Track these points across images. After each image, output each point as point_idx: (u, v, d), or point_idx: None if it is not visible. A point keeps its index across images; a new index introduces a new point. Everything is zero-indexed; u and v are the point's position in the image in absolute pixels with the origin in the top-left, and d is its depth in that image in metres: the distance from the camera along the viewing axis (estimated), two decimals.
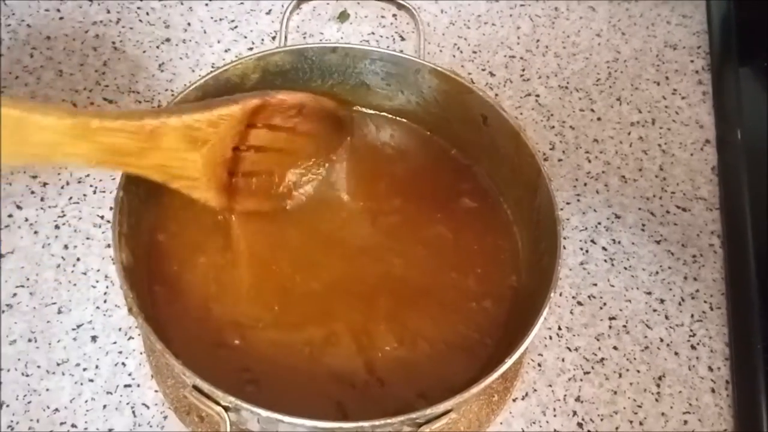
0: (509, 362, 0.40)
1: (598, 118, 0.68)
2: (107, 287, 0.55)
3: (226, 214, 0.50)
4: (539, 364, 0.54)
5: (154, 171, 0.44)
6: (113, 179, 0.59)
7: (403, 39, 0.71)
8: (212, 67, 0.67)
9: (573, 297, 0.58)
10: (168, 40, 0.68)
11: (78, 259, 0.55)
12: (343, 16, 0.71)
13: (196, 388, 0.40)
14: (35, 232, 0.56)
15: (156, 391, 0.51)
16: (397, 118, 0.57)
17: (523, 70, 0.70)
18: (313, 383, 0.46)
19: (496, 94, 0.68)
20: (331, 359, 0.47)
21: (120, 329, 0.53)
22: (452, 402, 0.39)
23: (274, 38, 0.69)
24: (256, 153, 0.50)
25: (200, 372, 0.40)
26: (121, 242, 0.43)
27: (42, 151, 0.39)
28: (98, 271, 0.55)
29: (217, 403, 0.40)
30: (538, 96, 0.69)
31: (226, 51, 0.68)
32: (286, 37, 0.55)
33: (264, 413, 0.38)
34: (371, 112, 0.57)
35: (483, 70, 0.70)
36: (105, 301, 0.54)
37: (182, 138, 0.44)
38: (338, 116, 0.54)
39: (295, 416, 0.38)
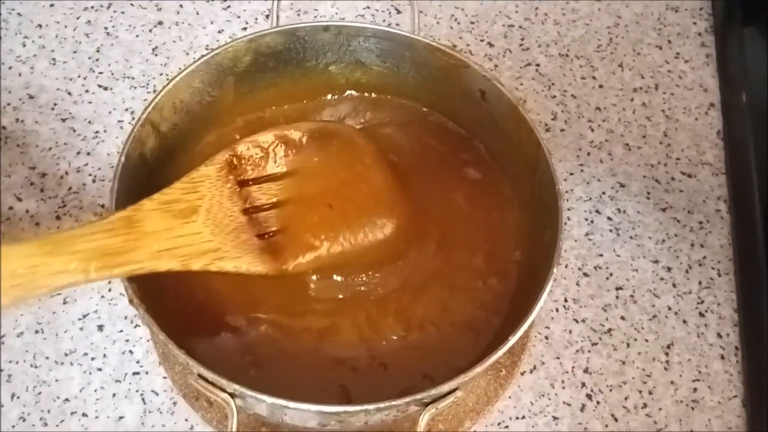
0: (513, 339, 0.40)
1: (600, 86, 0.67)
2: None
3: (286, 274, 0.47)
4: (546, 337, 0.54)
5: (163, 260, 0.41)
6: (111, 167, 0.59)
7: (399, 12, 0.69)
8: (206, 49, 0.66)
9: (579, 268, 0.57)
10: (161, 23, 0.67)
11: None
12: None
13: (201, 376, 0.40)
14: (36, 224, 0.56)
15: (164, 377, 0.51)
16: (392, 97, 0.56)
17: (522, 39, 0.69)
18: (316, 366, 0.45)
19: (496, 65, 0.67)
20: (333, 346, 0.46)
21: (126, 317, 0.53)
22: (457, 381, 0.39)
23: (267, 17, 0.68)
24: (275, 209, 0.47)
25: (203, 355, 0.40)
26: None
27: (24, 280, 0.36)
28: None
29: (223, 390, 0.40)
30: (538, 65, 0.68)
31: (219, 32, 0.67)
32: (278, 17, 0.54)
33: (269, 400, 0.38)
34: (365, 95, 0.56)
35: (481, 40, 0.69)
36: (109, 290, 0.54)
37: (165, 215, 0.42)
38: (320, 132, 0.50)
39: (301, 402, 0.38)
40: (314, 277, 0.48)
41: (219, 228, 0.44)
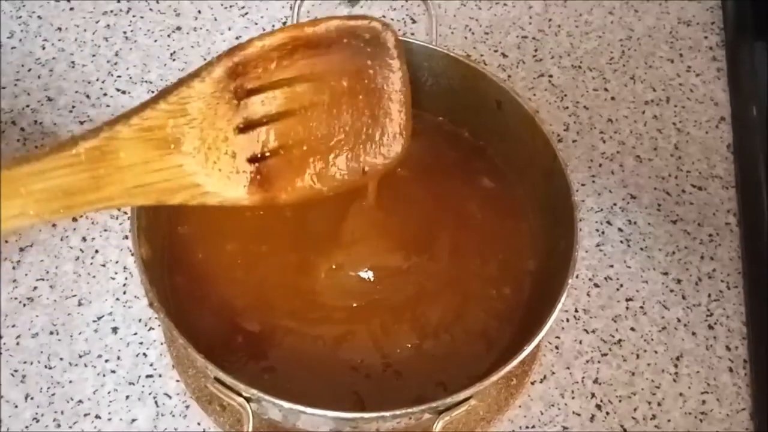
0: (528, 349, 0.40)
1: (612, 98, 0.67)
2: (126, 278, 0.55)
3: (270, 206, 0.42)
4: (557, 347, 0.55)
5: (137, 197, 0.36)
6: None
7: (414, 21, 0.70)
8: None
9: (589, 279, 0.58)
10: (179, 28, 0.68)
11: (96, 251, 0.56)
12: (353, 0, 0.70)
13: (217, 380, 0.40)
14: (53, 226, 0.57)
15: (177, 380, 0.52)
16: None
17: (536, 50, 0.70)
18: (330, 373, 0.46)
19: (509, 76, 0.68)
20: (347, 353, 0.47)
21: (140, 320, 0.54)
22: (472, 390, 0.39)
23: (285, 24, 0.69)
24: (279, 122, 0.40)
25: (219, 359, 0.40)
26: (141, 237, 0.43)
27: None
28: (117, 262, 0.56)
29: (239, 395, 0.40)
30: (551, 76, 0.68)
31: (237, 38, 0.68)
32: None
33: (286, 405, 0.38)
34: None
35: (495, 51, 0.69)
36: (124, 293, 0.55)
37: (144, 146, 0.35)
38: (358, 33, 0.41)
39: (317, 407, 0.38)
40: (322, 276, 0.49)
41: (205, 157, 0.38)
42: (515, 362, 0.40)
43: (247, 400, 0.40)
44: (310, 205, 0.51)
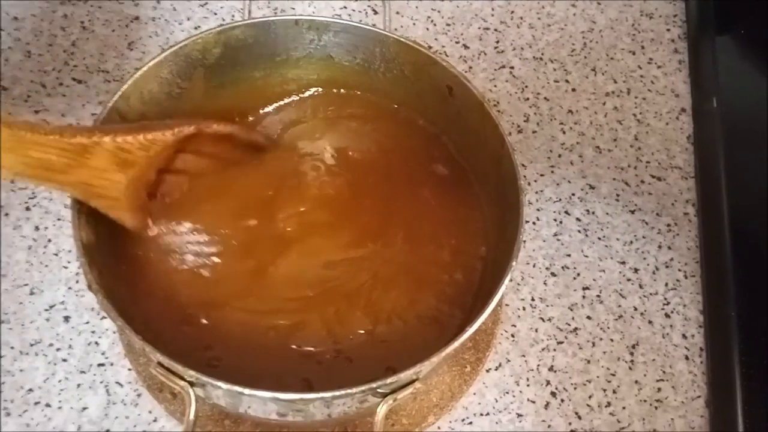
0: (470, 331, 0.40)
1: (573, 89, 0.67)
2: (78, 268, 0.54)
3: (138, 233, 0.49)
4: (512, 335, 0.55)
5: (76, 188, 0.43)
6: None
7: (375, 12, 0.70)
8: None
9: (546, 268, 0.58)
10: (137, 18, 0.68)
11: (49, 241, 0.55)
12: None
13: (160, 364, 0.40)
14: (6, 214, 0.56)
15: (129, 369, 0.51)
16: (362, 93, 0.56)
17: (498, 42, 0.70)
18: (279, 360, 0.45)
19: (470, 67, 0.68)
20: (299, 341, 0.46)
21: (93, 309, 0.53)
22: (413, 371, 0.39)
23: (242, 13, 0.68)
24: (176, 175, 0.50)
25: (165, 349, 0.40)
26: (81, 220, 0.43)
27: None
28: (69, 251, 0.55)
29: (182, 378, 0.40)
30: (512, 68, 0.68)
31: (195, 28, 0.67)
32: (250, 11, 0.55)
33: (225, 386, 0.38)
34: (335, 90, 0.57)
35: (457, 42, 0.69)
36: (77, 282, 0.54)
37: (112, 159, 0.43)
38: (260, 145, 0.54)
39: (256, 389, 0.38)
40: (277, 266, 0.49)
41: (133, 182, 0.45)
42: (457, 343, 0.40)
43: (191, 384, 0.40)
44: (266, 196, 0.51)
